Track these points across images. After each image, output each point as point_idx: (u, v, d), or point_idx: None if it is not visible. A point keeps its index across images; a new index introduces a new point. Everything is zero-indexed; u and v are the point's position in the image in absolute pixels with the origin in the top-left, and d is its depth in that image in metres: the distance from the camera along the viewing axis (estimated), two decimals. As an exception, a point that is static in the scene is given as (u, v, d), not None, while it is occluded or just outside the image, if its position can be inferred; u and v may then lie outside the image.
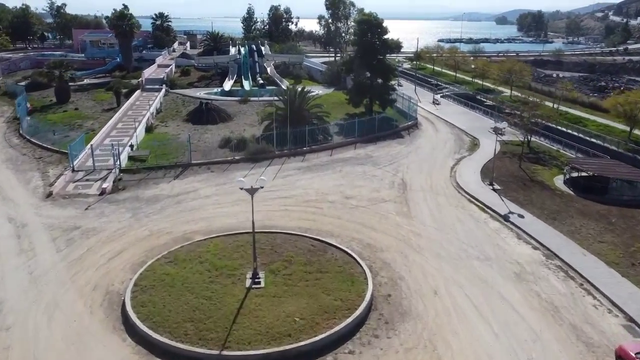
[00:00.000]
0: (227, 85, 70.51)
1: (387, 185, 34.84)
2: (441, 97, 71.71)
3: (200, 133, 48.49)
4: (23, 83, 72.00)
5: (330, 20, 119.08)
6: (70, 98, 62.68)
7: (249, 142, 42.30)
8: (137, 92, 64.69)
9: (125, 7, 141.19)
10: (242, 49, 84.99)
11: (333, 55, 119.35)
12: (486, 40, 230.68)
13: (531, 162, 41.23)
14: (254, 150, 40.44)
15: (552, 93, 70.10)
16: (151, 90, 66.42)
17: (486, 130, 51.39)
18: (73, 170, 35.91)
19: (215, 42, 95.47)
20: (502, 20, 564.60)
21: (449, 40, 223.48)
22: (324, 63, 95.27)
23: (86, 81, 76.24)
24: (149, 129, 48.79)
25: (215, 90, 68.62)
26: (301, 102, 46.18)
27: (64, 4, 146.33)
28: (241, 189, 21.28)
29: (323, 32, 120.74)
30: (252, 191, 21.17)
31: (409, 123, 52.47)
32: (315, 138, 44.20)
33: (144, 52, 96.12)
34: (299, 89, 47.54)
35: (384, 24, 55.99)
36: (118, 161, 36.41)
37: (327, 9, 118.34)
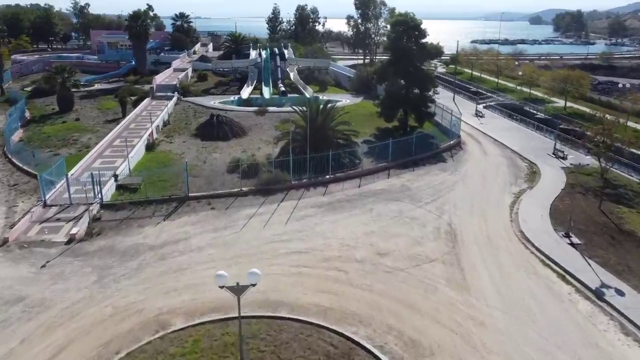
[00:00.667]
0: (245, 92, 63.45)
1: (432, 233, 26.96)
2: (484, 107, 63.12)
3: (207, 152, 41.53)
4: (29, 88, 66.64)
5: (359, 21, 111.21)
6: (73, 106, 56.65)
7: (262, 168, 35.03)
8: (147, 101, 58.23)
9: (150, 7, 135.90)
10: (263, 52, 77.84)
11: (362, 57, 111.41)
12: (523, 42, 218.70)
13: (611, 200, 32.57)
14: (266, 179, 33.09)
15: (614, 104, 60.72)
16: (162, 98, 59.89)
17: (544, 151, 42.98)
18: (44, 206, 29.22)
19: (236, 44, 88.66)
20: (536, 20, 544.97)
21: (483, 42, 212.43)
22: (352, 67, 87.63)
23: (97, 86, 70.48)
24: (150, 147, 42.03)
25: (231, 98, 61.64)
26: (324, 119, 38.59)
27: (87, 4, 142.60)
28: (222, 287, 13.81)
29: (351, 33, 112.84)
30: (238, 291, 13.75)
31: (452, 142, 44.31)
32: (340, 162, 36.58)
33: (162, 54, 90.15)
34: (322, 104, 39.89)
35: (422, 26, 48.11)
36: (100, 195, 29.61)
37: (357, 8, 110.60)
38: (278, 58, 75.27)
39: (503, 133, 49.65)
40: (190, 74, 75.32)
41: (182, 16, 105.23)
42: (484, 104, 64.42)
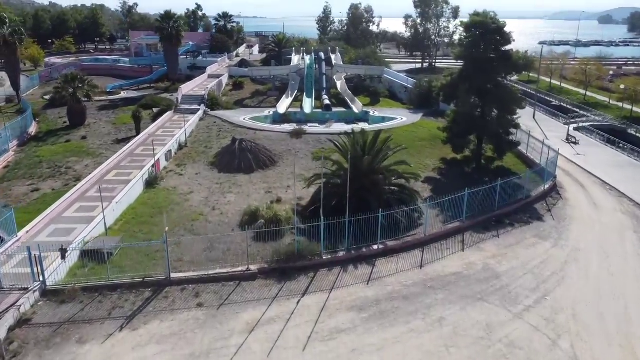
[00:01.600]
0: (283, 106, 53.42)
1: (548, 386, 15.67)
2: (574, 129, 50.04)
3: (222, 191, 31.77)
4: (49, 96, 59.58)
5: (418, 21, 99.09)
6: (85, 120, 48.69)
7: (284, 226, 24.78)
8: (167, 115, 49.43)
9: (199, 6, 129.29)
10: (306, 58, 67.52)
11: (419, 61, 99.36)
12: (597, 43, 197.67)
13: None
14: (285, 253, 22.73)
15: None
16: (186, 111, 50.93)
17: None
18: (-37, 290, 20.19)
19: (280, 48, 78.86)
20: (606, 19, 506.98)
21: (552, 43, 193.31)
22: (409, 73, 76.13)
23: (123, 94, 62.69)
24: (151, 182, 32.71)
25: (266, 112, 51.74)
26: (374, 158, 27.72)
27: (136, 4, 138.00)
28: None
29: (409, 34, 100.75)
30: None
31: (546, 187, 32.32)
32: (394, 220, 25.61)
33: (199, 57, 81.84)
34: (371, 137, 28.92)
35: (506, 29, 36.27)
36: (41, 277, 20.23)
37: (416, 7, 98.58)
38: (324, 64, 64.78)
39: (613, 171, 36.95)
40: (225, 81, 66.31)
41: (224, 16, 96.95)
42: (575, 125, 51.28)
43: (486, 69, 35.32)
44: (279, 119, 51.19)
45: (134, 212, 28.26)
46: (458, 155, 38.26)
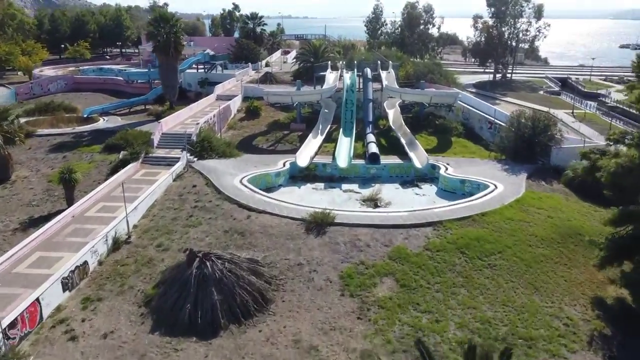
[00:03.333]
0: (305, 154, 34.60)
1: None
2: None
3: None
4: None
5: (491, 22, 77.60)
6: (10, 174, 32.12)
7: None
8: (132, 167, 31.89)
9: (236, 6, 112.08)
10: (346, 76, 47.90)
11: (491, 71, 78.09)
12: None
13: None
14: None
15: None
16: (160, 161, 33.28)
17: None
18: None
19: (316, 56, 59.96)
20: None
21: (637, 46, 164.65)
22: (478, 87, 56.38)
23: (101, 122, 45.93)
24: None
25: (279, 166, 33.11)
26: None
27: (166, 3, 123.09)
28: None
29: (478, 38, 79.43)
30: None
31: None
32: None
33: (216, 69, 64.12)
34: None
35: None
36: None
37: (489, 5, 77.12)
38: (370, 86, 45.18)
39: None
40: (237, 105, 48.26)
41: (253, 17, 79.23)
42: None
43: None
44: (300, 173, 32.79)
45: None
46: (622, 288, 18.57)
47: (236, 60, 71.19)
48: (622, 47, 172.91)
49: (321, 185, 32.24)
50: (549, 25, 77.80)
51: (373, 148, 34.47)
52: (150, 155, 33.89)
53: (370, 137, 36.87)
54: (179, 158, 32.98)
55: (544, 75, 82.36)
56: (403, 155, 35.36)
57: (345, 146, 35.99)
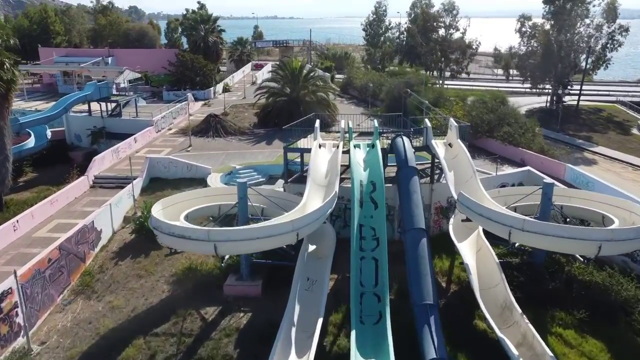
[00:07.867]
0: None
1: None
2: None
3: None
4: None
5: (547, 26, 52.33)
6: None
7: None
8: None
9: (202, 5, 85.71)
10: (355, 152, 19.23)
11: (548, 90, 53.01)
12: None
13: None
14: None
15: None
16: None
17: None
18: None
19: (294, 90, 33.93)
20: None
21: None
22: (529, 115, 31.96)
23: None
24: None
25: None
26: None
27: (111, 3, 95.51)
28: None
29: (529, 47, 53.93)
30: None
31: None
32: None
33: (128, 104, 37.47)
34: None
35: None
36: None
37: (545, 2, 51.97)
38: (418, 191, 16.59)
39: None
40: (116, 220, 22.23)
41: (204, 21, 53.64)
42: None
43: None
44: None
45: None
46: None
47: (176, 84, 45.35)
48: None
49: None
50: (626, 31, 52.87)
51: None
52: None
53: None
54: None
55: (614, 99, 57.61)
56: None
57: None
